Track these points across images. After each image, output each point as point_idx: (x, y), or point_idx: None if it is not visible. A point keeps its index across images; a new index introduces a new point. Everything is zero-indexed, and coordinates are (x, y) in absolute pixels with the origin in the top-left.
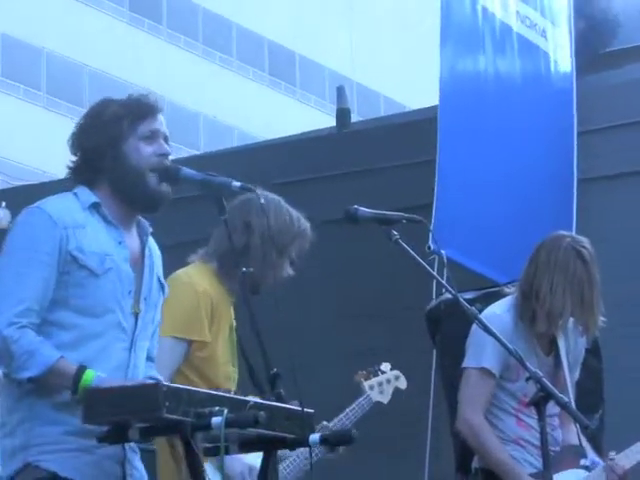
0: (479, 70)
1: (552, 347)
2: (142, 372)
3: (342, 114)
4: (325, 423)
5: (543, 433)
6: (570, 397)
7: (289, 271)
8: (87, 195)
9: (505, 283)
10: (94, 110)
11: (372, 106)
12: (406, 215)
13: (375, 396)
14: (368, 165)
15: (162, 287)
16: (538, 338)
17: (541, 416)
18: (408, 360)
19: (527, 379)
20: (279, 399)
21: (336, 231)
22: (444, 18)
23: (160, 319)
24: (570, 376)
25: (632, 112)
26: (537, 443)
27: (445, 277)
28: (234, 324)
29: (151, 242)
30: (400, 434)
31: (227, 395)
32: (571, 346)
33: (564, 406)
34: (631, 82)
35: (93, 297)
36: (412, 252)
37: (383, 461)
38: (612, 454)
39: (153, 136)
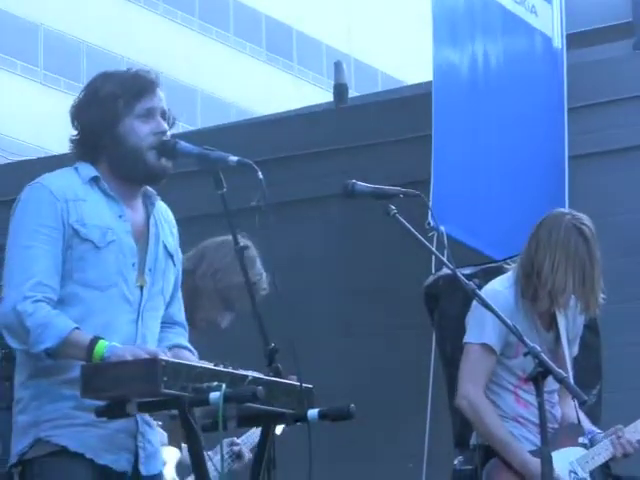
0: (471, 48)
1: (552, 323)
2: (153, 341)
3: (339, 90)
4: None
5: (541, 408)
6: (569, 373)
7: (226, 322)
8: (88, 169)
9: (502, 259)
10: (91, 86)
11: (370, 82)
12: (403, 189)
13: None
14: (366, 140)
15: (170, 256)
16: (539, 315)
17: (539, 391)
18: (408, 336)
19: (525, 354)
20: (277, 374)
21: (335, 206)
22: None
23: (177, 284)
24: (569, 352)
25: (620, 88)
26: (536, 420)
27: (445, 253)
28: None
29: (158, 210)
30: (400, 411)
31: (226, 370)
32: (570, 322)
33: (562, 381)
34: (619, 59)
35: (96, 270)
36: (410, 227)
37: (382, 438)
38: (620, 427)
39: (150, 114)
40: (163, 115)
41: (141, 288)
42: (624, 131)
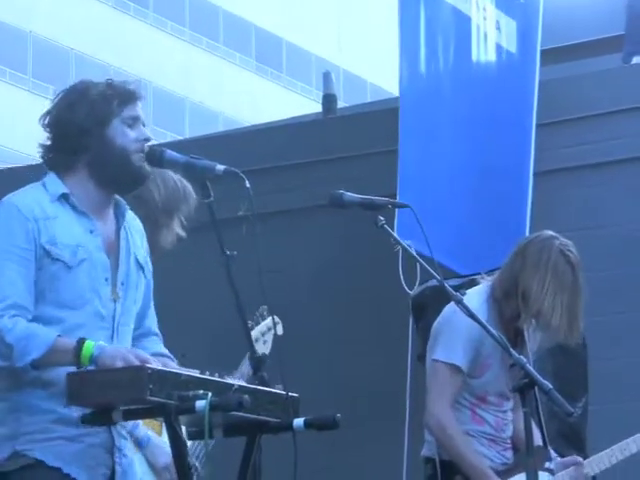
0: (437, 61)
1: (516, 341)
2: None
3: (328, 100)
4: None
5: (527, 420)
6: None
7: (180, 232)
8: (56, 185)
9: (467, 274)
10: (79, 88)
11: (358, 93)
12: (392, 200)
13: (260, 348)
14: (354, 151)
15: (142, 267)
16: (505, 331)
17: (525, 402)
18: (388, 346)
19: (511, 365)
20: (263, 383)
21: (322, 216)
22: (402, 11)
23: (150, 296)
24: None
25: (589, 105)
26: (488, 435)
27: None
28: None
29: (129, 220)
30: (380, 415)
31: (212, 378)
32: (530, 336)
33: (547, 392)
34: (589, 75)
35: (70, 289)
36: (398, 238)
37: (362, 442)
38: (579, 459)
39: (135, 122)
40: (143, 125)
41: (114, 302)
42: (598, 146)
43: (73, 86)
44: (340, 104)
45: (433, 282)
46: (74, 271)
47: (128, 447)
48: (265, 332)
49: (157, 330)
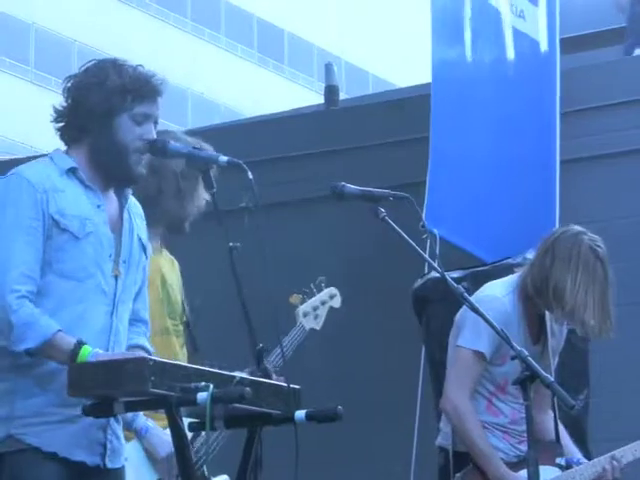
0: (467, 50)
1: (540, 337)
2: (125, 335)
3: (330, 91)
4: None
5: (528, 413)
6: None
7: (206, 196)
8: (63, 160)
9: (491, 262)
10: (103, 70)
11: (361, 85)
12: (392, 192)
13: (309, 323)
14: (356, 143)
15: (144, 248)
16: (529, 325)
17: (526, 395)
18: (398, 338)
19: (512, 357)
20: (266, 375)
21: (324, 208)
22: (434, 3)
23: (144, 279)
24: (553, 366)
25: (612, 93)
26: (503, 427)
27: (434, 255)
28: (165, 275)
29: (131, 203)
30: (388, 413)
31: (213, 370)
32: (556, 333)
33: (549, 385)
34: (611, 64)
35: (75, 260)
36: (399, 230)
37: (369, 439)
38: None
39: (145, 119)
40: (155, 123)
41: (116, 279)
42: (620, 135)
43: (101, 63)
44: (342, 96)
45: (434, 274)
46: (81, 243)
47: (119, 428)
48: (317, 306)
49: (146, 316)
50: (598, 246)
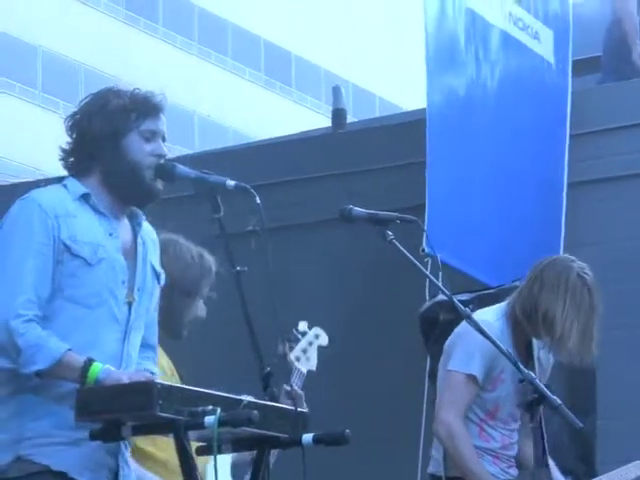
0: (467, 73)
1: (528, 361)
2: (135, 362)
3: (338, 114)
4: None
5: (536, 434)
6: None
7: (203, 310)
8: (76, 186)
9: (497, 286)
10: (101, 97)
11: (368, 107)
12: (400, 215)
13: (304, 366)
14: (363, 166)
15: (157, 276)
16: (517, 350)
17: (533, 417)
18: (401, 361)
19: (521, 381)
20: (272, 398)
21: (332, 230)
22: (428, 23)
23: (155, 306)
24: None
25: (623, 115)
26: (495, 452)
27: (440, 279)
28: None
29: (145, 230)
30: (392, 435)
31: (221, 394)
32: (542, 361)
33: (557, 408)
34: (619, 86)
35: (87, 287)
36: (407, 253)
37: (375, 461)
38: None
39: (153, 136)
40: (163, 139)
41: (129, 305)
42: (626, 158)
43: (98, 93)
44: (349, 119)
45: (442, 297)
46: (93, 269)
47: (128, 453)
48: (306, 348)
49: (154, 342)
50: (586, 273)
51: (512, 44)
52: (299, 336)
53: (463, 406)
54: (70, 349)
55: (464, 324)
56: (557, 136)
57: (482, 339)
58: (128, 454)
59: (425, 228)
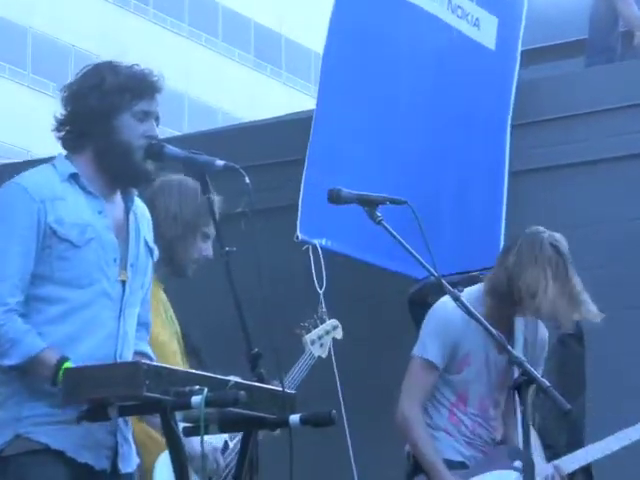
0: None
1: (508, 337)
2: (132, 338)
3: None
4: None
5: (525, 417)
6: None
7: (208, 250)
8: (65, 166)
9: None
10: (98, 72)
11: None
12: (389, 196)
13: (316, 351)
14: None
15: (150, 251)
16: (497, 328)
17: (522, 400)
18: (389, 344)
19: (510, 363)
20: (260, 379)
21: None
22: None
23: (150, 282)
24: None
25: (562, 106)
26: (467, 438)
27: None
28: (166, 304)
29: (137, 206)
30: (382, 418)
31: (207, 374)
32: (529, 340)
33: (545, 390)
34: (572, 75)
35: (77, 268)
36: (397, 235)
37: (364, 444)
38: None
39: (146, 116)
40: (156, 119)
41: (123, 283)
42: (575, 147)
43: (97, 66)
44: None
45: (430, 279)
46: (82, 250)
47: (129, 431)
48: (322, 335)
49: (148, 319)
50: (557, 241)
51: (449, 32)
52: (318, 322)
53: (419, 391)
54: (47, 347)
55: (433, 308)
56: (498, 124)
57: (445, 320)
58: (129, 431)
59: (299, 216)
